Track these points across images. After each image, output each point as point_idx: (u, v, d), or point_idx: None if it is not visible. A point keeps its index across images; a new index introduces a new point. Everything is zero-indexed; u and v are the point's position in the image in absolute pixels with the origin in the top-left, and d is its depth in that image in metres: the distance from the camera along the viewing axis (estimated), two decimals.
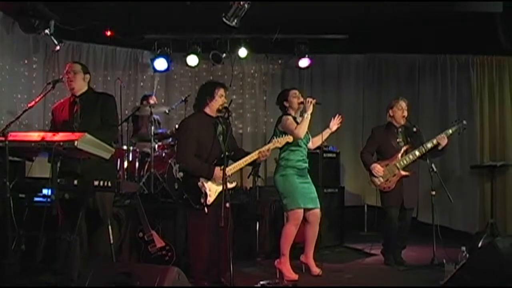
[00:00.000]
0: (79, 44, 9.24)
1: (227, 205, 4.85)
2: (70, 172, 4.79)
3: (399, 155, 6.55)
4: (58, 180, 4.38)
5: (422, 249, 7.15)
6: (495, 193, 8.77)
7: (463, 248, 5.63)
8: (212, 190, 5.15)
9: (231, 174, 5.24)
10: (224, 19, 7.00)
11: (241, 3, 6.78)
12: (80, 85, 5.34)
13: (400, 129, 6.69)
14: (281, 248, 5.88)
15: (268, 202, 7.50)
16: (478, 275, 4.47)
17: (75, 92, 5.33)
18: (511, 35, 7.89)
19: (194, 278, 5.10)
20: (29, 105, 4.79)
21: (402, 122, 6.64)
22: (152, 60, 9.35)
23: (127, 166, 7.52)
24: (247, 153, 5.41)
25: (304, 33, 9.18)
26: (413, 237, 7.01)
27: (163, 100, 9.59)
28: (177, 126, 7.66)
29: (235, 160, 5.35)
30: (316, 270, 6.06)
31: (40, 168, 6.00)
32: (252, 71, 10.18)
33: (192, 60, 9.30)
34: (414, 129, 6.56)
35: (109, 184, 4.45)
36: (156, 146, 7.73)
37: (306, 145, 6.11)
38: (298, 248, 6.12)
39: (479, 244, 7.23)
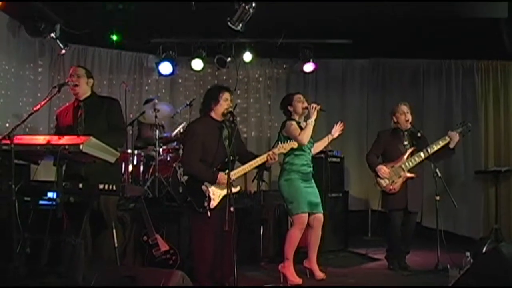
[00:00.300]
0: (84, 48, 9.28)
1: (232, 209, 4.86)
2: (75, 176, 4.81)
3: (405, 157, 6.55)
4: (63, 184, 4.39)
5: (426, 254, 7.14)
6: (500, 199, 8.76)
7: (468, 254, 5.63)
8: (215, 194, 5.16)
9: (236, 178, 5.25)
10: (229, 24, 7.02)
11: (246, 7, 6.80)
12: (84, 89, 5.37)
13: (406, 133, 6.69)
14: (285, 253, 5.87)
15: (273, 206, 7.50)
16: (482, 280, 4.46)
17: (79, 96, 5.36)
18: None
19: (198, 282, 5.10)
20: (34, 108, 4.79)
21: (407, 126, 6.64)
22: (157, 64, 9.36)
23: (132, 170, 7.54)
24: (256, 156, 5.42)
25: (309, 37, 9.18)
26: (417, 242, 7.00)
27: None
28: (181, 130, 7.71)
29: (243, 163, 5.36)
30: (320, 274, 6.05)
31: (45, 171, 6.02)
32: (256, 75, 10.19)
33: (197, 64, 9.31)
34: (419, 134, 6.56)
35: (114, 187, 4.47)
36: (161, 150, 7.75)
37: (310, 150, 6.12)
38: (302, 252, 6.11)
39: (484, 250, 7.23)
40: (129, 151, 7.55)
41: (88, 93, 5.41)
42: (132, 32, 8.72)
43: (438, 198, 6.45)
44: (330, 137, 6.43)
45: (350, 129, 9.76)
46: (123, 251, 6.00)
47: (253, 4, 6.79)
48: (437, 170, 6.42)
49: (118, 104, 5.53)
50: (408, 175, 6.50)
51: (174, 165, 7.49)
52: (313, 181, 6.07)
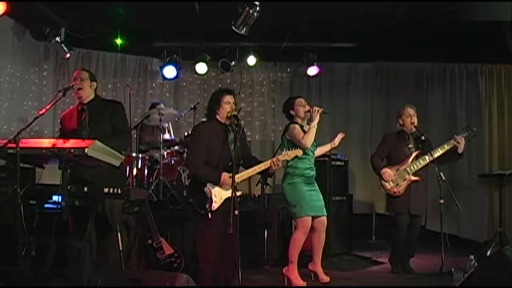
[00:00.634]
0: (89, 52, 9.32)
1: (236, 212, 4.86)
2: (80, 179, 4.81)
3: (410, 160, 6.55)
4: (68, 187, 4.39)
5: (430, 258, 7.15)
6: (504, 202, 8.74)
7: (472, 257, 5.63)
8: (218, 196, 5.16)
9: (240, 182, 5.26)
10: (233, 28, 7.03)
11: (250, 11, 6.81)
12: (88, 93, 5.38)
13: (411, 136, 6.70)
14: (289, 256, 5.86)
15: (276, 209, 7.51)
16: (486, 283, 4.46)
17: (82, 100, 5.37)
18: None
19: (202, 284, 5.11)
20: (40, 112, 4.78)
21: (412, 129, 6.65)
22: (161, 67, 9.39)
23: (136, 173, 7.55)
24: (260, 161, 5.42)
25: (313, 41, 9.20)
26: (422, 245, 7.00)
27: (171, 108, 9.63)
28: (186, 133, 7.73)
29: (246, 168, 5.36)
30: (324, 277, 6.05)
31: (50, 174, 6.03)
32: (260, 79, 10.22)
33: (201, 68, 9.34)
34: (423, 138, 6.57)
35: (119, 191, 4.47)
36: (165, 153, 7.76)
37: (314, 153, 6.12)
38: (306, 256, 6.11)
39: (488, 253, 7.22)
40: (134, 154, 7.56)
41: (92, 96, 5.42)
42: (136, 36, 8.74)
43: (442, 201, 6.47)
44: (332, 145, 6.51)
45: (354, 133, 9.80)
46: (127, 254, 6.01)
47: (257, 8, 6.79)
48: (441, 174, 6.42)
49: (122, 107, 5.53)
50: (413, 178, 6.51)
51: (178, 168, 7.49)
52: (316, 184, 6.07)
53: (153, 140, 8.05)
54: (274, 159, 5.34)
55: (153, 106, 8.28)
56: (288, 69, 10.20)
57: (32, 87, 8.44)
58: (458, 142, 6.45)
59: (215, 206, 5.12)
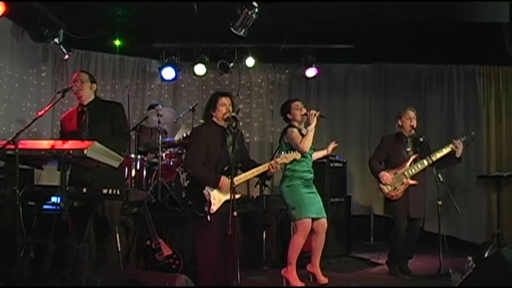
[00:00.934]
0: (87, 53, 9.32)
1: (235, 213, 4.87)
2: (79, 180, 4.81)
3: (408, 164, 6.56)
4: (67, 188, 4.40)
5: (428, 259, 7.15)
6: (502, 203, 8.77)
7: (470, 258, 5.64)
8: (216, 199, 5.15)
9: (238, 185, 5.26)
10: (232, 29, 7.03)
11: (249, 13, 6.82)
12: (87, 94, 5.39)
13: (409, 139, 6.71)
14: (288, 258, 5.86)
15: (275, 211, 7.52)
16: (484, 285, 4.47)
17: (82, 101, 5.37)
18: None
19: (201, 285, 5.11)
20: (38, 113, 4.77)
21: (411, 132, 6.66)
22: (160, 69, 9.38)
23: (135, 175, 7.55)
24: (258, 164, 5.42)
25: (311, 42, 9.20)
26: (420, 247, 6.99)
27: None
28: (184, 134, 7.72)
29: (244, 171, 5.36)
30: (322, 279, 6.05)
31: (48, 176, 6.03)
32: (259, 80, 10.22)
33: (200, 69, 9.34)
34: (421, 140, 6.58)
35: (118, 192, 4.46)
36: (164, 154, 7.76)
37: (312, 156, 6.13)
38: (305, 257, 6.10)
39: (486, 254, 7.22)
40: (132, 155, 7.56)
41: (92, 97, 5.43)
42: (135, 37, 8.74)
43: (440, 203, 6.48)
44: (325, 153, 6.64)
45: (352, 134, 9.82)
46: (126, 255, 6.01)
47: (256, 10, 6.80)
48: (439, 175, 6.44)
49: (122, 108, 5.53)
50: (411, 182, 6.52)
51: (177, 170, 7.50)
52: (314, 187, 6.07)
53: (151, 142, 8.04)
54: (273, 162, 5.35)
55: (152, 107, 8.27)
56: (287, 71, 10.20)
57: (30, 89, 8.43)
58: (456, 147, 6.47)
59: (214, 208, 5.12)
